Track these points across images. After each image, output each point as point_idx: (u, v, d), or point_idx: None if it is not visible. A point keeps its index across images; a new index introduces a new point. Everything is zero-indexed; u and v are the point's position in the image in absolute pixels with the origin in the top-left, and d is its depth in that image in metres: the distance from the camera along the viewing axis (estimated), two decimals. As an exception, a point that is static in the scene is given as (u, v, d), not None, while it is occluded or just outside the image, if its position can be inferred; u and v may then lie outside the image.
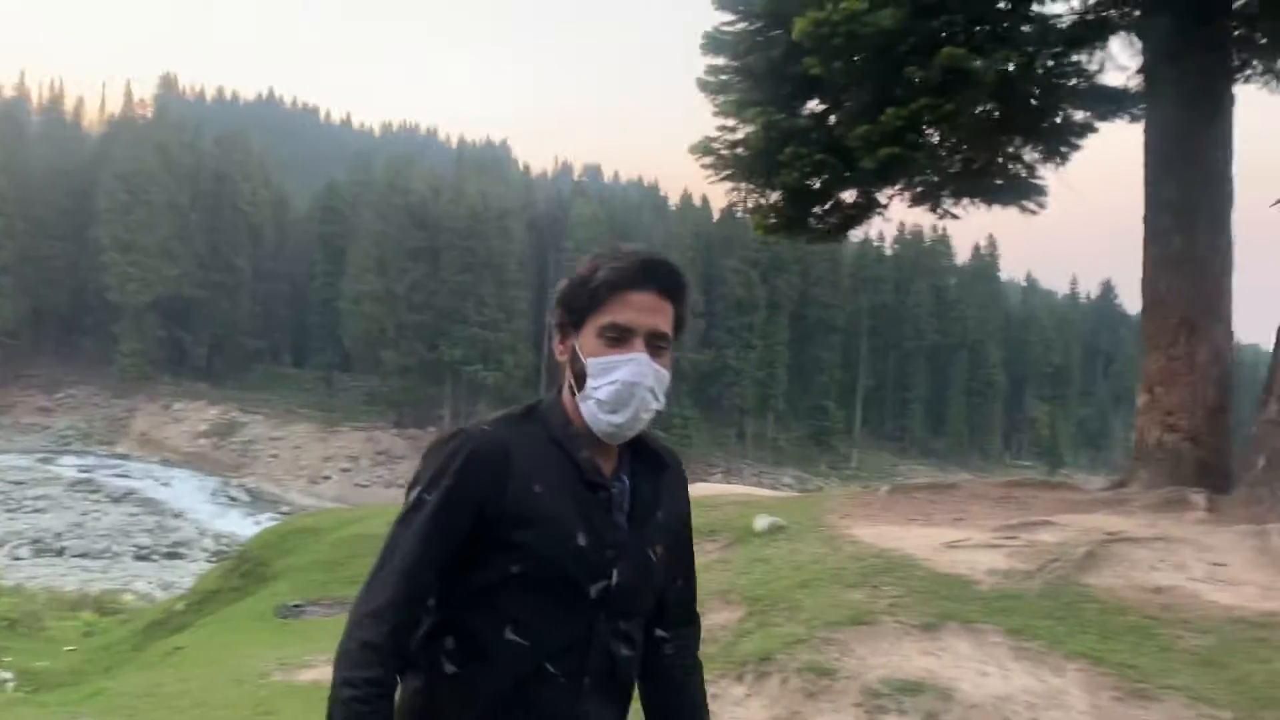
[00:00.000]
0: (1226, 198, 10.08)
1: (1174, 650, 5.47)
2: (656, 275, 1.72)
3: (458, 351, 64.77)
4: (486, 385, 64.19)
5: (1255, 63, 11.12)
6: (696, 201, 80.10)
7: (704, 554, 8.10)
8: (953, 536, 7.34)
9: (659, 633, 1.92)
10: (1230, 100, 10.25)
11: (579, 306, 1.74)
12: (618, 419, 1.71)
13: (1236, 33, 10.65)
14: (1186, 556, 6.93)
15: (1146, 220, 10.16)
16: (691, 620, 1.99)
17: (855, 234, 13.86)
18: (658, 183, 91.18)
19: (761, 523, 8.26)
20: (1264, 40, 10.86)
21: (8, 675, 9.98)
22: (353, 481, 58.71)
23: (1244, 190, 10.12)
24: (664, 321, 1.72)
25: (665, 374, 1.74)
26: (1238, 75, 10.90)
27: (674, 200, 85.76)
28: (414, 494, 1.70)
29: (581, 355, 1.73)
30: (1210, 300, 10.07)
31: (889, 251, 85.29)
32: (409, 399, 66.08)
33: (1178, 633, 5.67)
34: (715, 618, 6.45)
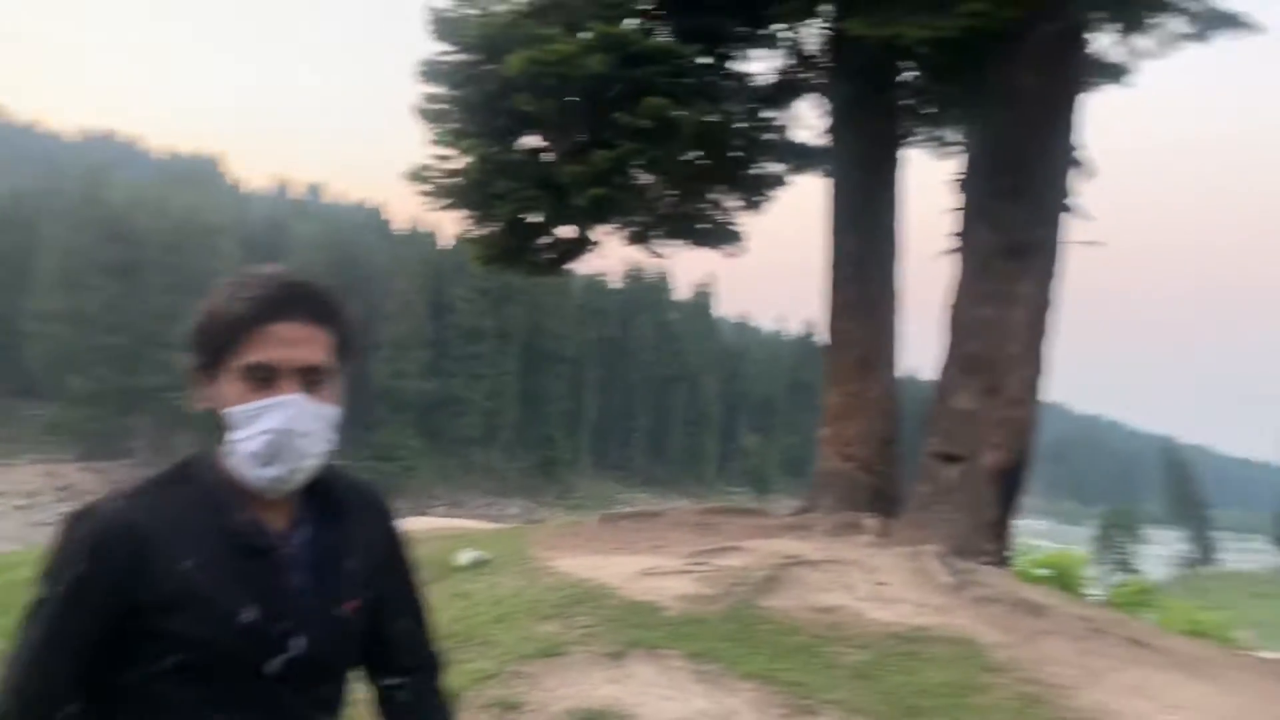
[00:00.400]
0: (896, 249, 11.17)
1: (836, 666, 5.93)
2: (301, 301, 1.51)
3: (157, 377, 59.95)
4: (188, 415, 59.75)
5: (921, 130, 12.47)
6: (425, 228, 79.07)
7: (405, 590, 7.91)
8: (648, 564, 7.60)
9: (389, 680, 1.75)
10: (900, 162, 11.40)
11: (214, 346, 1.51)
12: (273, 472, 1.50)
13: (906, 103, 11.90)
14: (855, 578, 7.54)
15: (828, 268, 11.07)
16: (428, 662, 1.80)
17: (579, 268, 14.19)
18: (385, 206, 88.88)
19: (465, 557, 8.19)
20: (928, 111, 12.21)
21: None
22: (30, 520, 52.69)
23: (914, 242, 11.28)
24: (317, 352, 1.51)
25: (330, 411, 1.53)
26: (907, 140, 12.16)
27: (403, 225, 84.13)
28: (39, 587, 1.47)
29: (224, 403, 1.51)
30: (883, 342, 11.10)
31: (616, 286, 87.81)
32: (99, 429, 60.36)
33: (841, 649, 6.15)
34: (411, 656, 6.32)
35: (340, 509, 1.64)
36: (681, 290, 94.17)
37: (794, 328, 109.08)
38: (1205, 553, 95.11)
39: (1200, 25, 9.46)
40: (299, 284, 1.53)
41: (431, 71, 10.78)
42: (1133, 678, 6.10)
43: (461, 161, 10.73)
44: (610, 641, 5.95)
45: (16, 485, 56.08)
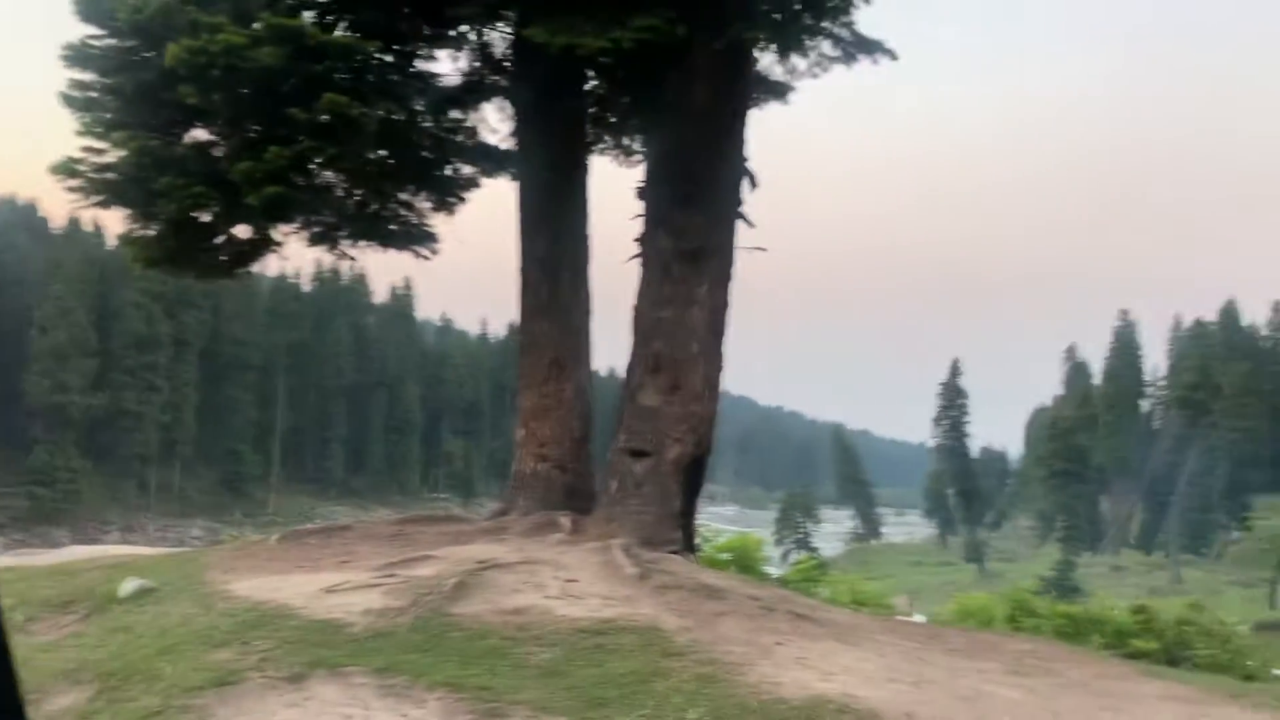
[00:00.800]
0: (586, 254, 11.45)
1: (526, 666, 5.98)
2: None
3: None
4: None
5: (606, 138, 12.86)
6: (88, 226, 71.57)
7: (57, 629, 7.14)
8: (334, 580, 7.31)
9: None
10: (587, 168, 11.67)
11: None
12: None
13: (591, 110, 12.23)
14: (546, 576, 7.64)
15: (520, 271, 11.16)
16: None
17: (262, 270, 13.40)
18: (39, 202, 79.25)
19: (128, 587, 7.50)
20: (611, 120, 12.61)
21: None
22: None
23: (605, 246, 11.59)
24: None
25: None
26: (593, 147, 12.49)
27: (61, 223, 75.62)
28: None
29: None
30: (574, 343, 11.33)
31: (307, 289, 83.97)
32: None
33: (530, 649, 6.21)
34: (60, 701, 5.71)
35: None
36: (380, 293, 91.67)
37: (497, 330, 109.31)
38: (871, 528, 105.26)
39: (846, 50, 10.41)
40: None
41: (79, 56, 9.76)
42: (797, 650, 6.61)
43: (115, 155, 9.79)
44: (290, 665, 5.66)
45: None
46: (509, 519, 10.56)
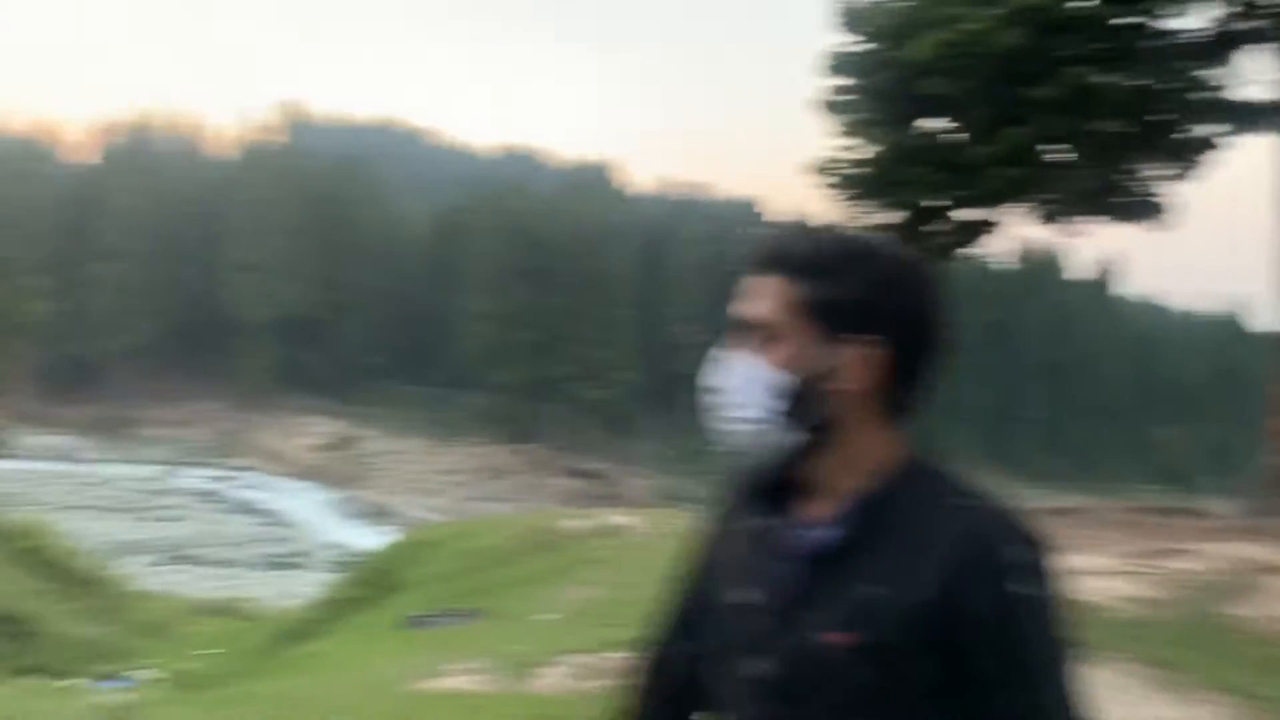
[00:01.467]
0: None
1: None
2: (760, 250, 1.29)
3: (565, 369, 65.80)
4: (592, 402, 65.00)
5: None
6: (797, 218, 79.49)
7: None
8: (1085, 563, 7.22)
9: None
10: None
11: None
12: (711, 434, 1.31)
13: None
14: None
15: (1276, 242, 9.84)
16: None
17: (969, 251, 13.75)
18: (759, 200, 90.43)
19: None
20: None
21: (160, 675, 10.62)
22: (464, 495, 60.00)
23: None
24: (759, 305, 1.25)
25: (764, 373, 1.24)
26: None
27: (776, 217, 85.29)
28: None
29: None
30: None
31: (1000, 267, 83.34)
32: (519, 415, 67.32)
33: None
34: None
35: (895, 521, 1.23)
36: (1080, 269, 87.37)
37: (1213, 306, 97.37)
38: None
39: None
40: (772, 235, 1.31)
41: (839, 63, 10.89)
42: None
43: (870, 150, 10.76)
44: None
45: (453, 465, 64.16)
46: (1268, 519, 9.42)
